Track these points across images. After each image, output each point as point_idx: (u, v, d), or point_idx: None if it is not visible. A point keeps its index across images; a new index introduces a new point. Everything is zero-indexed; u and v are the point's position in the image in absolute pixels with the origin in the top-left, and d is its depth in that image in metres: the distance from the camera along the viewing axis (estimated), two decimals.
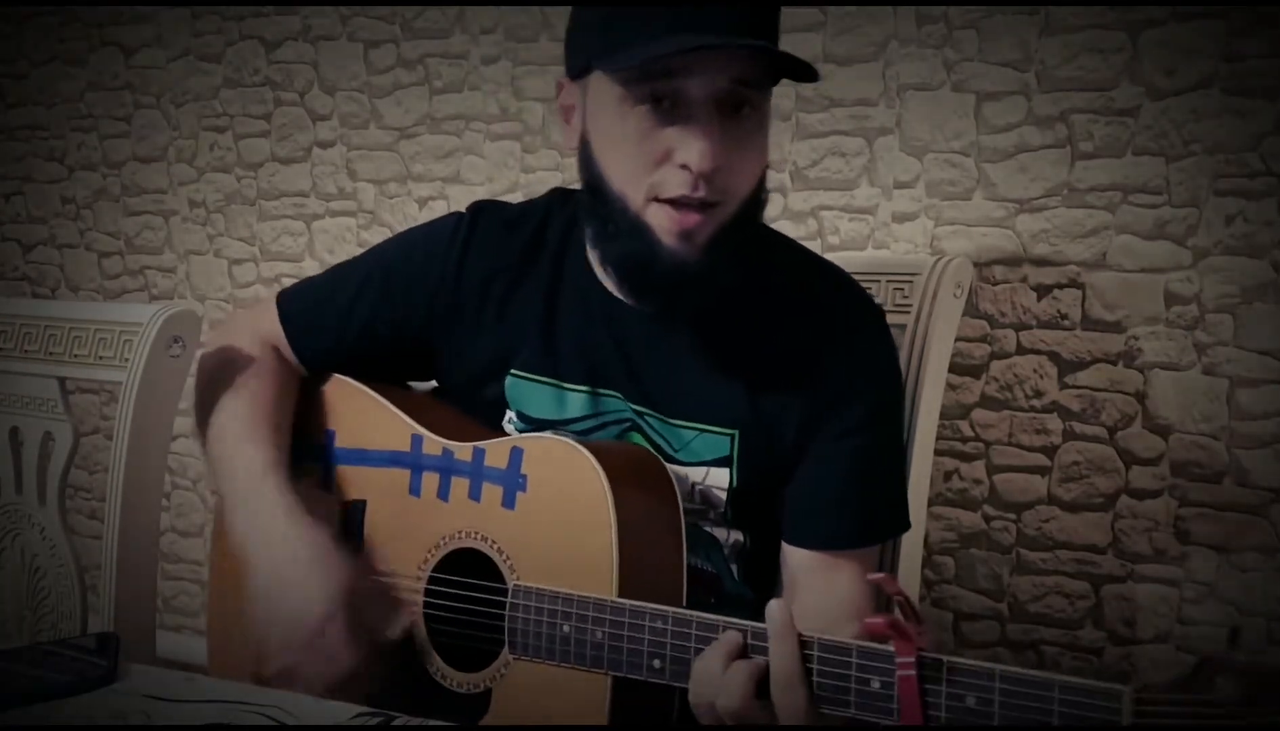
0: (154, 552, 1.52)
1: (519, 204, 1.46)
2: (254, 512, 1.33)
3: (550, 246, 1.39)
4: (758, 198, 1.29)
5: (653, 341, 1.34)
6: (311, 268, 2.43)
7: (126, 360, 1.50)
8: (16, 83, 2.89)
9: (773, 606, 1.08)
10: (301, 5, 2.50)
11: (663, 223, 1.23)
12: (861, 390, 1.32)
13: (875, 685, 1.03)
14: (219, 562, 1.49)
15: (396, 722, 1.12)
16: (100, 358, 1.53)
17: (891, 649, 1.02)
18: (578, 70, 1.29)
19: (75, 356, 1.56)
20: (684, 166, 1.21)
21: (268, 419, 1.41)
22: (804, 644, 1.07)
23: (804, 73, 1.22)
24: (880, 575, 1.05)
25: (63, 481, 1.56)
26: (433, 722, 1.13)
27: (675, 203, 1.22)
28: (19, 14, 2.85)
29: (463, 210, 1.45)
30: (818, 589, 1.30)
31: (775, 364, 1.32)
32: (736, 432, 1.32)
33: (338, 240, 2.49)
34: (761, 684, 1.08)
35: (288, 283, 1.62)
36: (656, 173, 1.22)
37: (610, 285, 1.34)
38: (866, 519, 1.32)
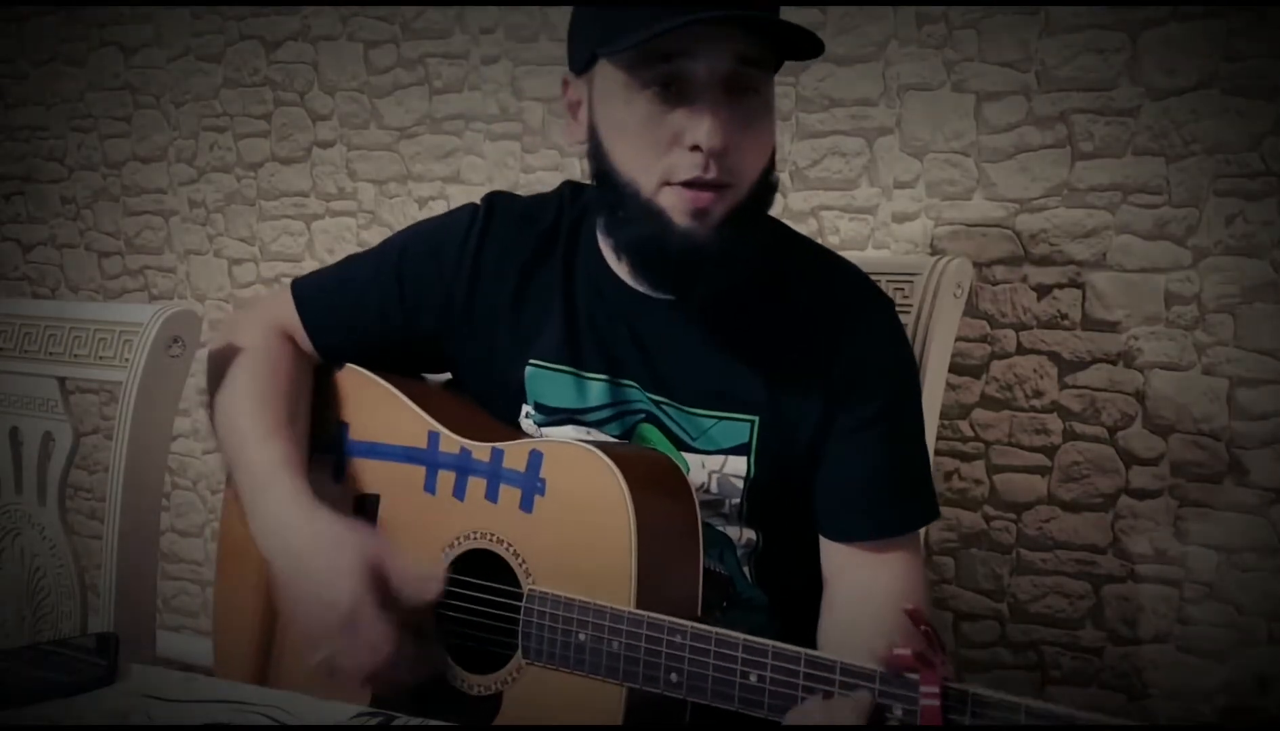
0: (154, 552, 1.52)
1: (532, 197, 1.47)
2: (266, 510, 1.33)
3: (564, 238, 1.40)
4: (767, 181, 1.30)
5: (668, 330, 1.34)
6: (311, 268, 2.41)
7: (126, 360, 1.50)
8: (16, 83, 2.89)
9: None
10: (301, 5, 2.50)
11: (676, 204, 1.25)
12: (880, 379, 1.33)
13: (898, 712, 1.03)
14: (225, 561, 1.49)
15: (397, 723, 1.12)
16: (100, 358, 1.53)
17: (915, 677, 1.02)
18: (582, 64, 1.30)
19: (75, 356, 1.56)
20: (694, 147, 1.23)
21: (281, 413, 1.40)
22: (824, 667, 1.07)
23: (808, 48, 1.23)
24: (909, 607, 1.04)
25: (63, 481, 1.56)
26: (433, 723, 1.13)
27: (688, 184, 1.24)
28: (19, 14, 2.85)
29: (477, 202, 1.46)
30: (861, 583, 1.30)
31: (791, 352, 1.33)
32: (756, 419, 1.32)
33: (338, 240, 2.49)
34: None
35: (287, 283, 1.62)
36: (667, 157, 1.24)
37: (624, 274, 1.35)
38: (898, 507, 1.32)
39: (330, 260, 1.66)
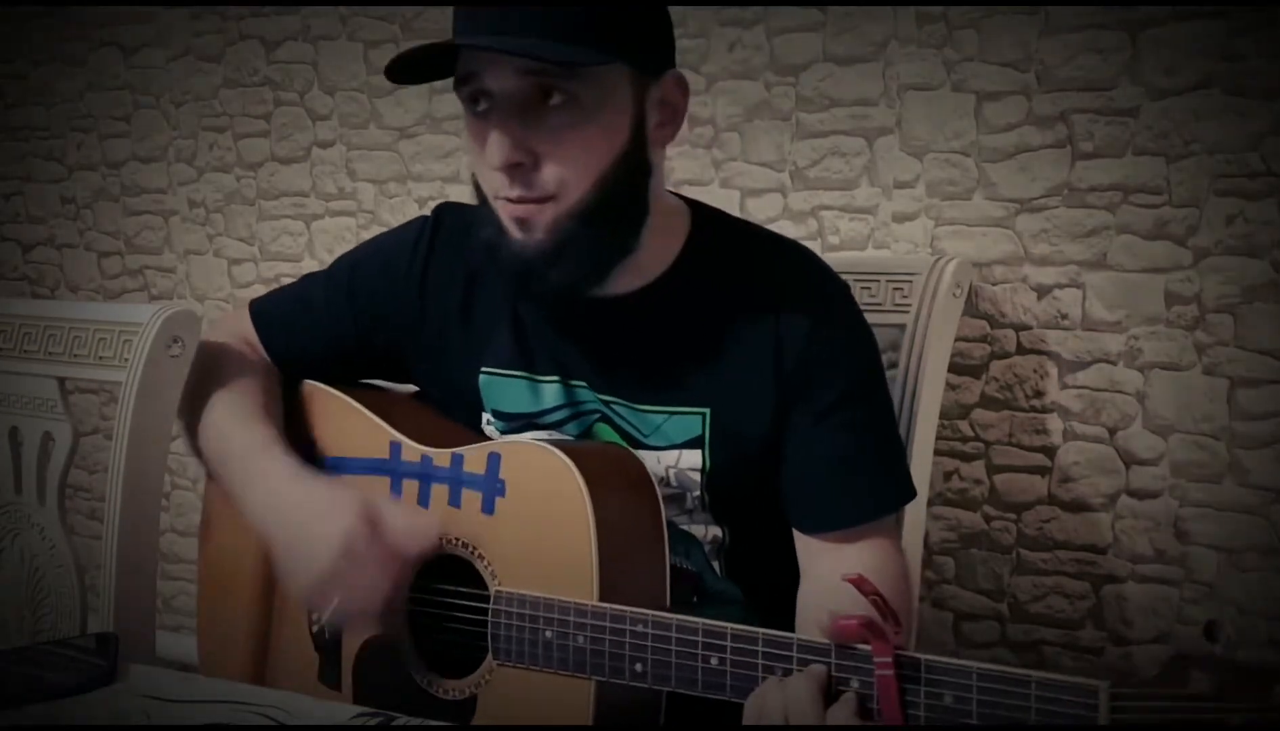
0: (154, 552, 1.52)
1: (481, 203, 1.47)
2: (259, 487, 1.34)
3: None
4: (616, 185, 1.26)
5: (610, 329, 1.34)
6: (311, 267, 2.42)
7: (126, 360, 1.50)
8: (16, 83, 2.89)
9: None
10: (301, 5, 2.49)
11: (504, 214, 1.26)
12: (835, 366, 1.31)
13: (855, 684, 1.04)
14: (207, 563, 1.50)
15: (397, 723, 1.12)
16: (100, 358, 1.53)
17: (869, 648, 1.02)
18: None
19: (75, 356, 1.56)
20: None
21: (258, 405, 1.42)
22: (782, 646, 1.07)
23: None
24: (853, 575, 1.04)
25: (62, 481, 1.56)
26: (433, 723, 1.13)
27: (507, 198, 1.25)
28: (19, 14, 2.85)
29: (427, 213, 1.47)
30: (833, 573, 1.29)
31: (739, 341, 1.32)
32: (708, 411, 1.32)
33: (337, 240, 2.49)
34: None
35: (287, 282, 1.62)
36: (489, 171, 1.25)
37: None
38: (865, 494, 1.31)
39: (330, 260, 1.66)
